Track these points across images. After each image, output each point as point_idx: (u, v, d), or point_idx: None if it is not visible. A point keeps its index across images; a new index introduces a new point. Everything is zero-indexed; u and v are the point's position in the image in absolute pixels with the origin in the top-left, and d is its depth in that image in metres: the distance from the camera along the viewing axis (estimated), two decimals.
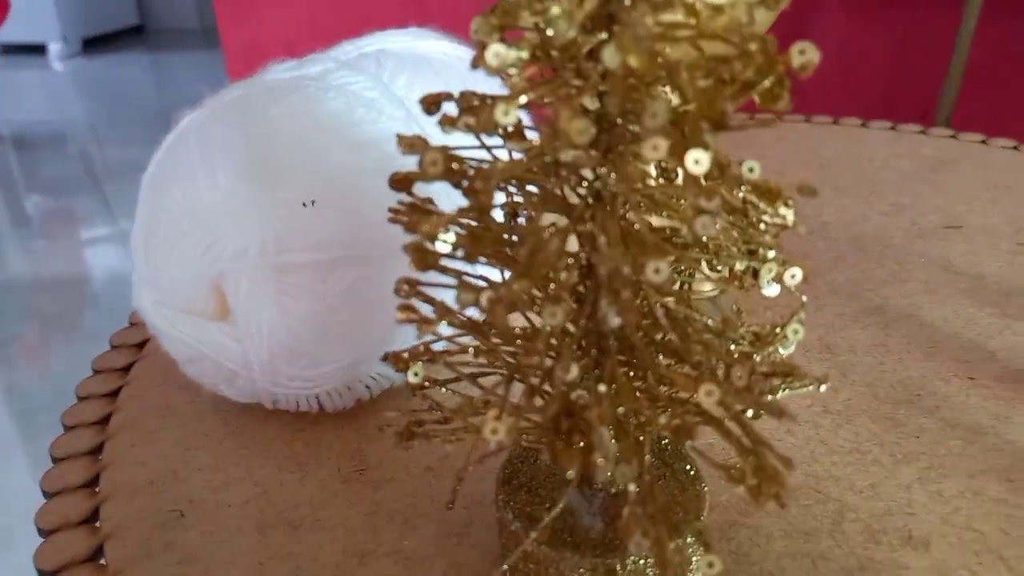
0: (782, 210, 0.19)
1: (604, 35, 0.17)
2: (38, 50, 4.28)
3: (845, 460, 0.29)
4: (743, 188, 0.19)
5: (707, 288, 0.30)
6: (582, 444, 0.18)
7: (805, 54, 0.16)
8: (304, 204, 0.29)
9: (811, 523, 0.27)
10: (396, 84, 0.34)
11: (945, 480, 0.28)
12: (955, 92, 1.12)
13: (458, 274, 0.18)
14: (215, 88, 0.34)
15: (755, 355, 0.20)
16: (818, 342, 0.37)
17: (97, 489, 0.30)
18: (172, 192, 0.31)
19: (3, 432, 1.27)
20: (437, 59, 0.38)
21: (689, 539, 0.22)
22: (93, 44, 4.40)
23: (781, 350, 0.21)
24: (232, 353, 0.30)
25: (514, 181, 0.19)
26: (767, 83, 0.16)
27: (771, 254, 0.20)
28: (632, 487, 0.17)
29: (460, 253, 0.19)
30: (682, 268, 0.21)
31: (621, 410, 0.18)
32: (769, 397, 0.19)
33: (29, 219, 2.60)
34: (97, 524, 0.28)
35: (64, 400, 0.36)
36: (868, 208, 0.50)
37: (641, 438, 0.18)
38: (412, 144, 0.18)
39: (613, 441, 0.18)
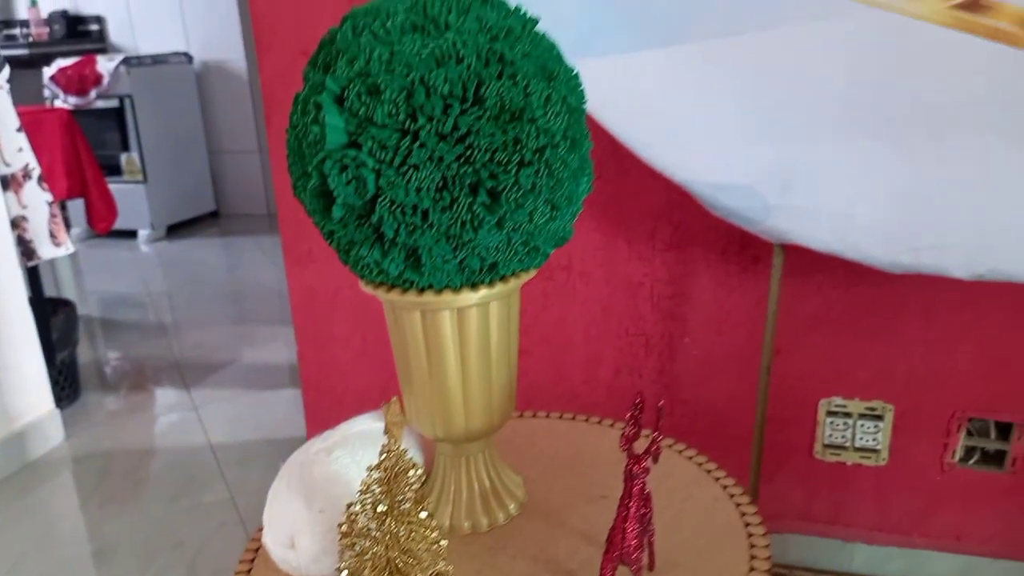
0: (432, 533, 0.79)
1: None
2: (130, 235, 4.98)
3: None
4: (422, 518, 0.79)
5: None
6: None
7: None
8: (321, 511, 0.89)
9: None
10: (359, 454, 0.95)
11: None
12: (769, 355, 1.70)
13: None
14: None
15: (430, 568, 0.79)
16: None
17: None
18: (277, 500, 0.92)
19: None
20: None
21: None
22: (176, 228, 5.12)
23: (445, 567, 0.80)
24: (295, 562, 0.90)
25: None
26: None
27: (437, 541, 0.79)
28: None
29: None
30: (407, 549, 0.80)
31: None
32: None
33: (111, 385, 3.08)
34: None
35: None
36: (576, 482, 1.08)
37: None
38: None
39: None
